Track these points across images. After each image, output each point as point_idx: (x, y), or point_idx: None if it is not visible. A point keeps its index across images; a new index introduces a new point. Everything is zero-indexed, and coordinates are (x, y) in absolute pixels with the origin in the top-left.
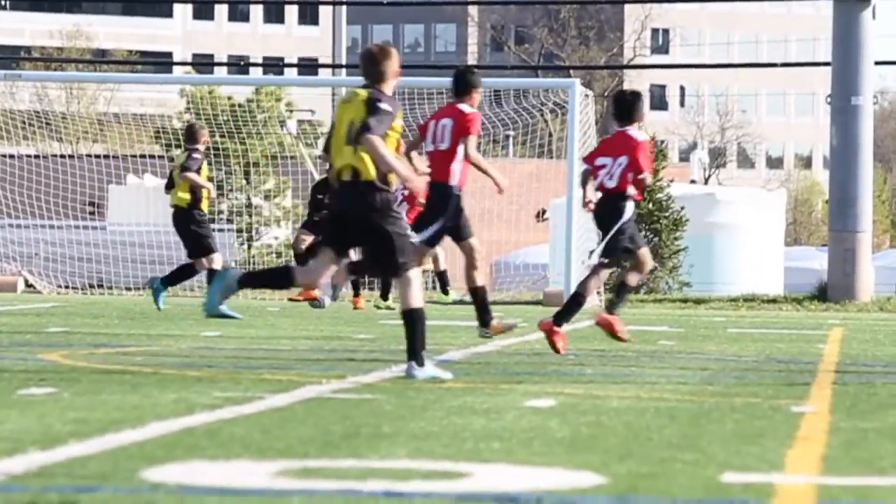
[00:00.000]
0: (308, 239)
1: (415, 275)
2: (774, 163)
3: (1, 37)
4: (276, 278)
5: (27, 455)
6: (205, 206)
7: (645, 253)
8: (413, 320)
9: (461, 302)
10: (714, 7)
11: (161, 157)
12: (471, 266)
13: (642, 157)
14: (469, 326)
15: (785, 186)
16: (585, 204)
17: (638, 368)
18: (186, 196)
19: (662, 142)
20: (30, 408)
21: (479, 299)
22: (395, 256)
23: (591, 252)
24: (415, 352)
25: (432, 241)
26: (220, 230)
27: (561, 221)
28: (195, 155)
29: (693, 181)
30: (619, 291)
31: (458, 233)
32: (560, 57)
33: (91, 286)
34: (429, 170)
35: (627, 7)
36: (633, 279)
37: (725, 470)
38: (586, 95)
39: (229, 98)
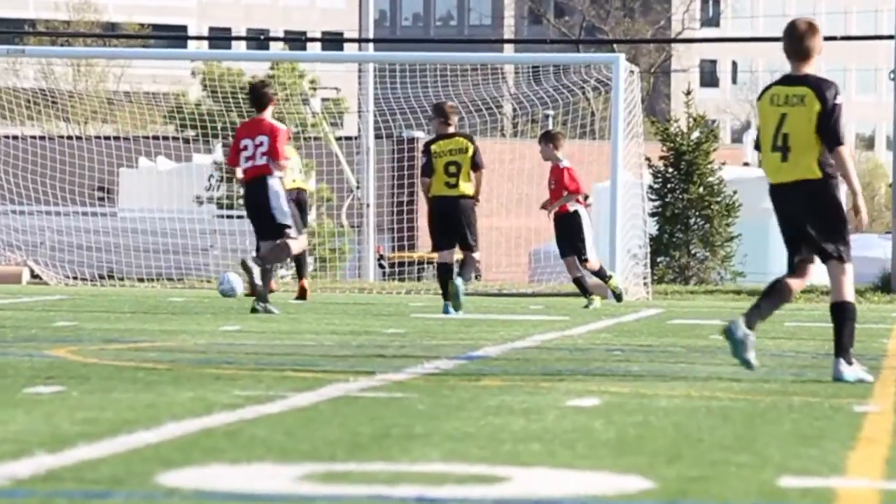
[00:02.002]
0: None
1: (850, 267)
2: None
3: (3, 9)
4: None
5: (34, 458)
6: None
7: None
8: (844, 314)
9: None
10: None
11: (175, 138)
12: None
13: None
14: (506, 320)
15: None
16: None
17: (688, 365)
18: (471, 185)
19: (713, 121)
20: (36, 407)
21: None
22: (830, 249)
23: None
24: (843, 348)
25: None
26: (241, 217)
27: (604, 208)
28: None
29: (746, 164)
30: None
31: None
32: (603, 30)
33: (101, 277)
34: None
35: None
36: None
37: (783, 473)
38: (631, 72)
39: (238, 74)
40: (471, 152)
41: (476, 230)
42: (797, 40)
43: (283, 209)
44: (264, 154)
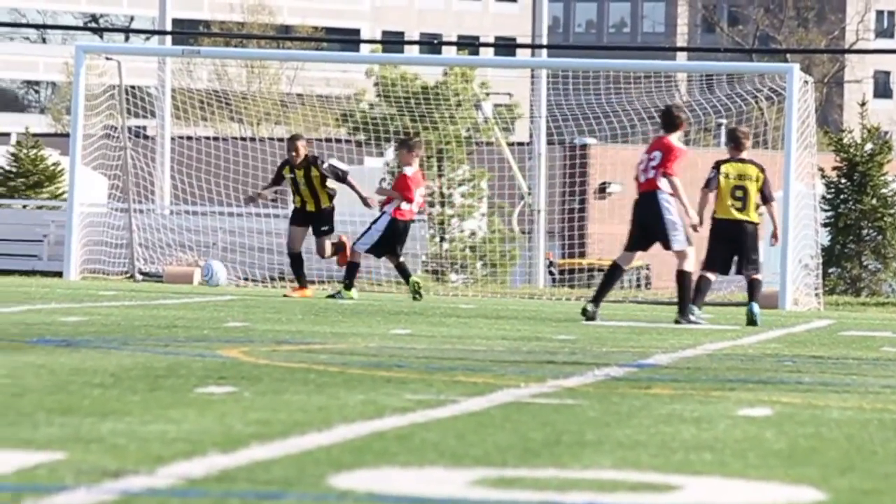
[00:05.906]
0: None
1: None
2: None
3: (178, 10)
4: None
5: (207, 458)
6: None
7: None
8: None
9: None
10: None
11: (348, 140)
12: None
13: None
14: (676, 329)
15: None
16: None
17: (859, 377)
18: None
19: (886, 133)
20: (209, 407)
21: None
22: None
23: None
24: None
25: None
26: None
27: (777, 218)
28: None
29: None
30: None
31: None
32: (777, 40)
33: (272, 279)
34: None
35: None
36: None
37: None
38: (805, 82)
39: (412, 79)
40: (760, 182)
41: (757, 255)
42: None
43: (674, 222)
44: (654, 168)
